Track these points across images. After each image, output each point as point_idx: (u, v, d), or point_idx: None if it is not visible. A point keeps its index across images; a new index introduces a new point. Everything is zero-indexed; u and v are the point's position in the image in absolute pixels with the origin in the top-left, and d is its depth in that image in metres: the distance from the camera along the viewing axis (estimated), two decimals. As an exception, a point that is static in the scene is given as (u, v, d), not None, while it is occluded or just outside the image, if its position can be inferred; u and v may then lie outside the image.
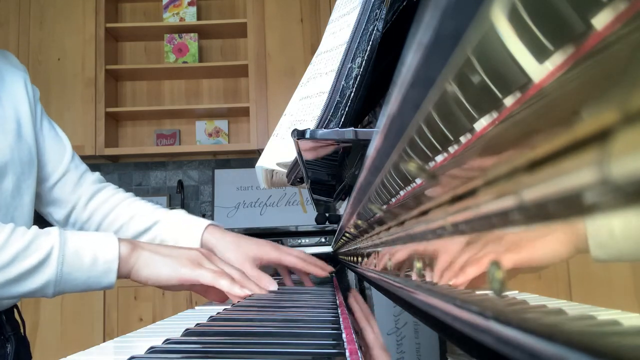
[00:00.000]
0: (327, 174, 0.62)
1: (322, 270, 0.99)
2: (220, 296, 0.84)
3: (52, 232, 0.75)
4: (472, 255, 0.17)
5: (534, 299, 0.14)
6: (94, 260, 0.75)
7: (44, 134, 0.99)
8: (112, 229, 1.00)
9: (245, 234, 1.02)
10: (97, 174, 1.07)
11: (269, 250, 0.97)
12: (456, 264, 0.19)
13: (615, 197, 0.08)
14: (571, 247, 0.11)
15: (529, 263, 0.14)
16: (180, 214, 1.01)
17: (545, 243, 0.13)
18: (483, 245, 0.16)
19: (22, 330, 0.96)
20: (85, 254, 0.75)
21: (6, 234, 0.71)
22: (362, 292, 0.62)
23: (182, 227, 0.97)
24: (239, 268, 0.86)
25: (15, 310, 0.95)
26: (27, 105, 0.95)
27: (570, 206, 0.10)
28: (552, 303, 0.13)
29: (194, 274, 0.78)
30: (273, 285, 0.88)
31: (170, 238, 0.96)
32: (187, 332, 0.52)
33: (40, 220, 0.93)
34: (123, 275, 0.79)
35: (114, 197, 1.03)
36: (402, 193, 0.25)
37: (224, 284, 0.78)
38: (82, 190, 1.02)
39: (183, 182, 3.15)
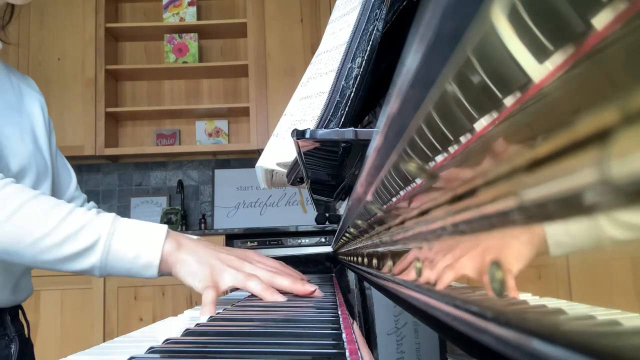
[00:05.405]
0: (327, 174, 0.62)
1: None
2: None
3: (105, 220, 0.78)
4: (469, 255, 0.17)
5: (534, 299, 0.14)
6: (136, 256, 0.79)
7: (58, 160, 1.07)
8: None
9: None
10: (92, 203, 1.15)
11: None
12: (456, 264, 0.19)
13: (614, 197, 0.08)
14: (533, 250, 0.12)
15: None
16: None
17: (514, 247, 0.13)
18: (478, 246, 0.16)
19: (26, 332, 0.97)
20: (129, 250, 0.78)
21: (64, 214, 0.76)
22: (362, 292, 0.62)
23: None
24: (272, 264, 0.87)
25: (19, 312, 0.96)
26: (43, 125, 1.01)
27: (565, 207, 0.10)
28: (552, 303, 0.13)
29: (238, 282, 0.80)
30: (312, 287, 0.86)
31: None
32: (187, 332, 0.51)
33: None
34: (166, 272, 0.82)
35: None
36: (402, 193, 0.25)
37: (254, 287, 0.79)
38: None
39: (183, 182, 3.15)
